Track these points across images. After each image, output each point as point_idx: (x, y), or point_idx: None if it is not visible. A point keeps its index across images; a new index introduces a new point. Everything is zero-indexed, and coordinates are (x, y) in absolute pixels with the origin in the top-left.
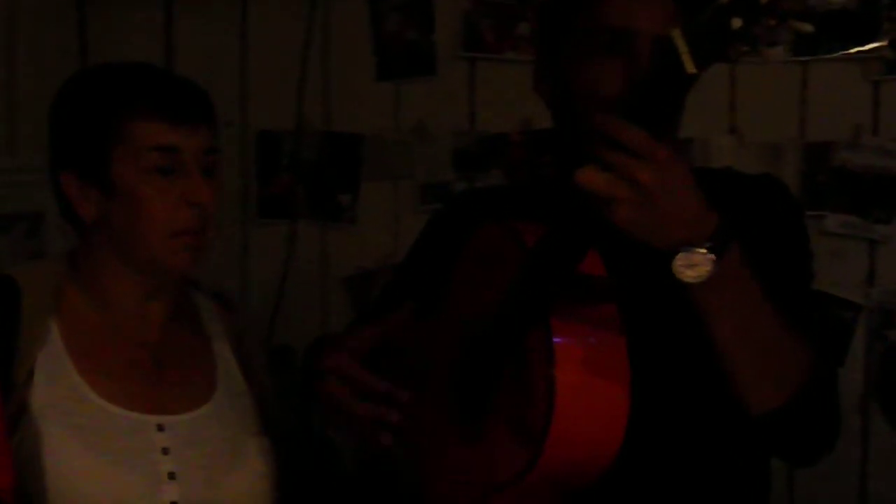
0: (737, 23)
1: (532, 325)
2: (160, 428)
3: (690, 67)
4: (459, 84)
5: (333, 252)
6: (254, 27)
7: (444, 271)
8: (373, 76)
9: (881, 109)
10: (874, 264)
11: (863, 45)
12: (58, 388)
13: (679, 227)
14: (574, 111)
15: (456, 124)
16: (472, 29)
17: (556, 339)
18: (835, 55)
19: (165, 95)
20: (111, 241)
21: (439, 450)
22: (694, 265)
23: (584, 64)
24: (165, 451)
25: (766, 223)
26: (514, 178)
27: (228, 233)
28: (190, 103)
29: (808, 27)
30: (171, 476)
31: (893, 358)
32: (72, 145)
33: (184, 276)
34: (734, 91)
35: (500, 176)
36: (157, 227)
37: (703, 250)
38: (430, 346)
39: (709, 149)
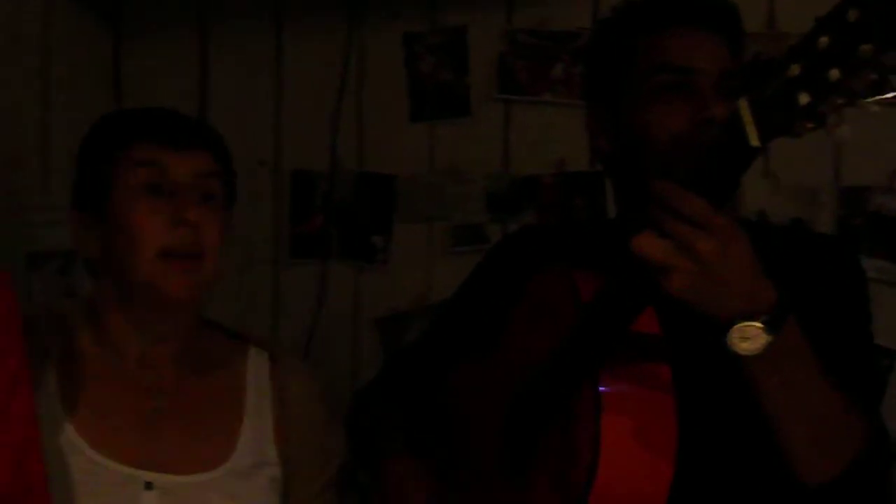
0: (804, 98)
1: (583, 380)
2: (148, 486)
3: (755, 140)
4: (493, 126)
5: (366, 293)
6: (289, 66)
7: (499, 311)
8: (407, 117)
9: None
10: None
11: None
12: (48, 437)
13: (735, 300)
14: (640, 157)
15: (489, 166)
16: (506, 70)
17: (604, 396)
18: (872, 99)
19: (159, 121)
20: (111, 275)
21: (484, 496)
22: (748, 338)
23: (650, 105)
24: None
25: (831, 287)
26: (547, 220)
27: (261, 272)
28: (184, 128)
29: (876, 108)
30: None
31: None
32: (78, 183)
33: (182, 305)
34: None
35: (534, 218)
36: (145, 246)
37: (759, 324)
38: (482, 389)
39: (743, 192)
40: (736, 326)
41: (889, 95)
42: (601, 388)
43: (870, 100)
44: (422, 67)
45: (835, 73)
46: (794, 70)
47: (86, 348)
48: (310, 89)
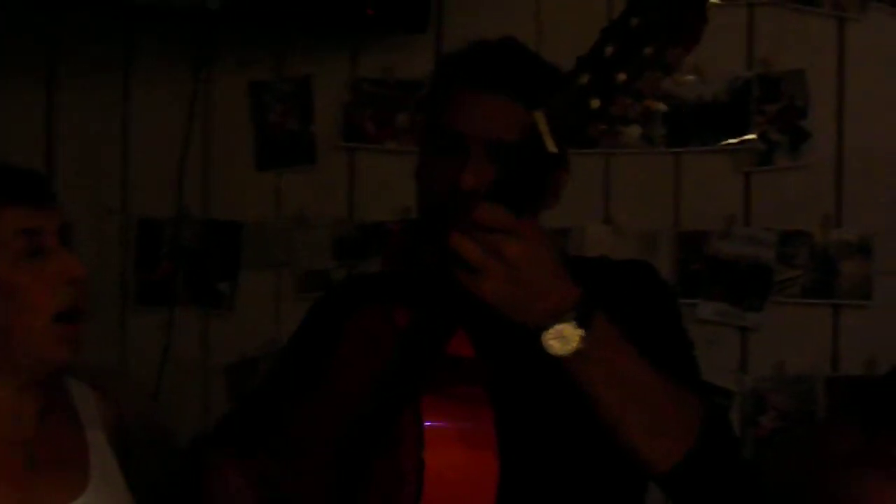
0: (595, 103)
1: (403, 407)
2: None
3: (552, 146)
4: (339, 173)
5: (214, 339)
6: (136, 114)
7: (326, 355)
8: (254, 165)
9: (752, 200)
10: (746, 351)
11: (734, 137)
12: None
13: (544, 300)
14: (424, 204)
15: (336, 213)
16: (351, 119)
17: (425, 422)
18: (707, 147)
19: (14, 182)
20: None
21: None
22: (563, 337)
23: (427, 161)
24: None
25: (639, 304)
26: (393, 265)
27: (107, 319)
28: (38, 185)
29: (661, 106)
30: None
31: (767, 443)
32: None
33: (62, 367)
34: (609, 181)
35: (380, 264)
36: (39, 313)
37: (571, 323)
38: (312, 427)
39: (584, 238)
40: (549, 329)
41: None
42: (422, 414)
43: (654, 101)
44: (268, 116)
45: (621, 76)
46: (584, 79)
47: None
48: (157, 137)
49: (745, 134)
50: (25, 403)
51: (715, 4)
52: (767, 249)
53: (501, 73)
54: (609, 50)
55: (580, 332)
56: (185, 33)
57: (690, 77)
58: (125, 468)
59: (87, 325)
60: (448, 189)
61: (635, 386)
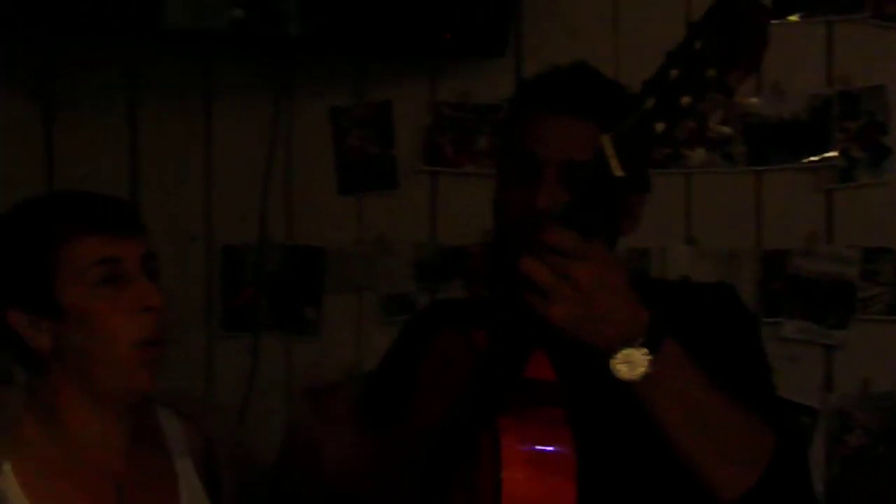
0: (660, 126)
1: (481, 429)
2: None
3: (617, 171)
4: (420, 197)
5: (298, 364)
6: (218, 142)
7: (409, 381)
8: (335, 190)
9: (834, 217)
10: (831, 369)
11: (815, 154)
12: None
13: (613, 325)
14: (500, 227)
15: (417, 237)
16: (432, 143)
17: (503, 443)
18: (788, 165)
19: (96, 211)
20: (69, 368)
21: None
22: (631, 362)
23: (503, 183)
24: None
25: (718, 328)
26: (473, 289)
27: (193, 345)
28: (121, 214)
29: (727, 130)
30: None
31: (853, 462)
32: (13, 281)
33: (145, 395)
34: (690, 201)
35: (461, 287)
36: (119, 340)
37: (639, 347)
38: (399, 450)
39: (666, 258)
40: (618, 353)
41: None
42: (500, 435)
43: (719, 125)
44: (349, 141)
45: (686, 100)
46: (650, 103)
47: (36, 438)
48: (239, 164)
49: (826, 151)
50: (114, 433)
51: (794, 22)
52: (850, 267)
53: (574, 95)
54: (673, 73)
55: (648, 357)
56: (265, 61)
57: (754, 99)
58: (214, 496)
59: (173, 352)
60: (522, 211)
61: (704, 412)
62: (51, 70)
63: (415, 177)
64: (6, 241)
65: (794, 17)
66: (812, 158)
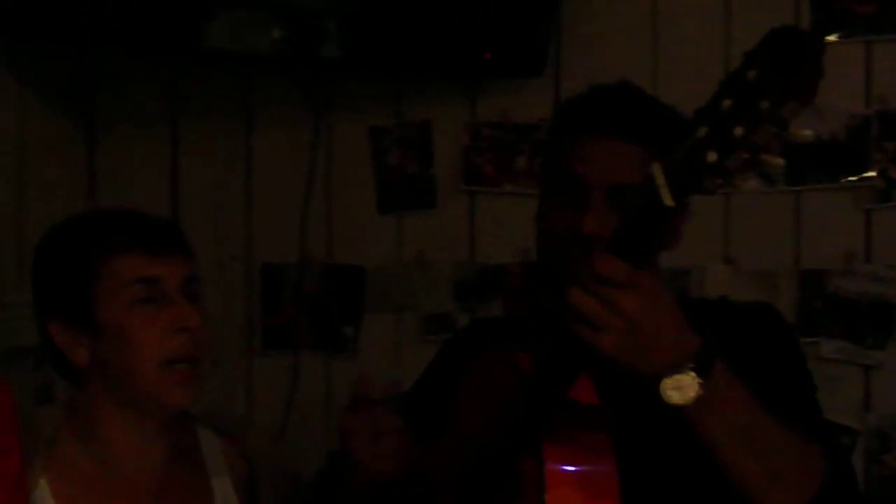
0: (712, 156)
1: (524, 451)
2: None
3: (668, 200)
4: (459, 216)
5: (337, 383)
6: (258, 162)
7: (449, 394)
8: (374, 209)
9: (873, 237)
10: (870, 389)
11: (854, 174)
12: None
13: (663, 352)
14: (544, 248)
15: (456, 256)
16: (470, 162)
17: (547, 466)
18: (827, 184)
19: (140, 230)
20: (106, 383)
21: None
22: (681, 387)
23: (547, 204)
24: None
25: (762, 348)
26: (512, 308)
27: (233, 364)
28: (164, 235)
29: (779, 161)
30: None
31: (892, 483)
32: (55, 293)
33: (182, 411)
34: (729, 220)
35: (500, 306)
36: (149, 357)
37: (689, 373)
38: (438, 467)
39: (705, 278)
40: (668, 378)
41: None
42: (543, 459)
43: (771, 156)
44: (388, 160)
45: (739, 130)
46: (702, 132)
47: (72, 451)
48: (279, 183)
49: (865, 171)
50: (152, 449)
51: (832, 42)
52: (889, 286)
53: (620, 118)
54: (726, 103)
55: (699, 381)
56: (306, 80)
57: (808, 132)
58: None
59: (214, 371)
60: (568, 234)
61: (754, 434)
62: (93, 88)
63: (454, 196)
64: (51, 254)
65: (832, 38)
66: (850, 178)
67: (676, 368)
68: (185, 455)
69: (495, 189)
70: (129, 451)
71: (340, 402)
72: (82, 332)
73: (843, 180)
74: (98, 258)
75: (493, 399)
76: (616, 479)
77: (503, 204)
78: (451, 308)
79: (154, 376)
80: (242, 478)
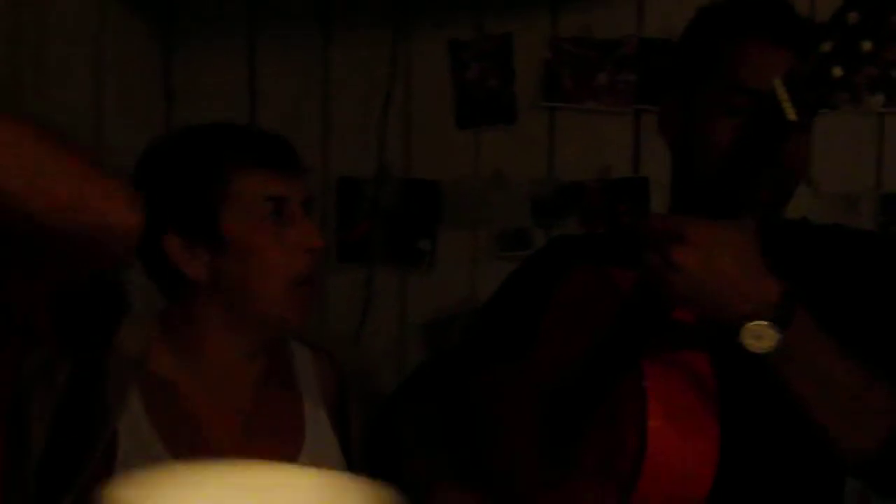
0: (838, 72)
1: (625, 370)
2: None
3: (791, 115)
4: (538, 133)
5: (411, 298)
6: (335, 74)
7: (535, 314)
8: (453, 124)
9: None
10: None
11: None
12: (138, 456)
13: (734, 303)
14: (694, 163)
15: (534, 172)
16: (551, 78)
17: (647, 385)
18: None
19: (269, 148)
20: (219, 300)
21: (528, 493)
22: (760, 336)
23: (717, 120)
24: None
25: (873, 280)
26: (590, 226)
27: None
28: (289, 154)
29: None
30: None
31: None
32: (177, 207)
33: (293, 330)
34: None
35: (578, 224)
36: (276, 276)
37: (767, 323)
38: (517, 388)
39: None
40: (746, 326)
41: None
42: (643, 378)
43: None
44: (467, 75)
45: (867, 45)
46: (826, 46)
47: (166, 366)
48: (356, 97)
49: None
50: (251, 367)
51: None
52: None
53: (788, 25)
54: (853, 17)
55: (779, 334)
56: None
57: None
58: (343, 433)
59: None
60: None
61: (830, 382)
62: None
63: (533, 112)
64: (172, 166)
65: None
66: None
67: (754, 318)
68: (279, 374)
69: (576, 105)
70: (225, 369)
71: (414, 317)
72: (202, 247)
73: None
74: (227, 174)
75: (588, 316)
76: (716, 398)
77: (583, 121)
78: (528, 225)
79: (279, 295)
80: (335, 396)
